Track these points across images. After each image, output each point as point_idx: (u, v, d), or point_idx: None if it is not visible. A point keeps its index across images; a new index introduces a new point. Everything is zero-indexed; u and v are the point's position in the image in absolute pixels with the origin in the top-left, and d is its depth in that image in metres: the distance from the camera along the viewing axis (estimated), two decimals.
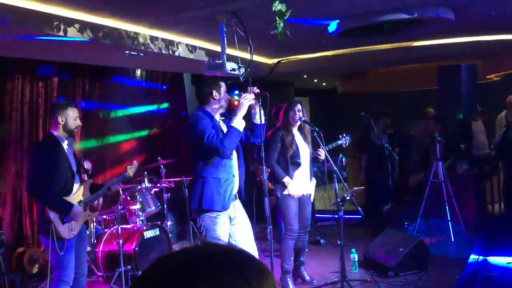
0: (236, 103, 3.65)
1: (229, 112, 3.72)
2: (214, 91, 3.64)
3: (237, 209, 3.71)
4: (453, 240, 6.09)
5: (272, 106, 5.02)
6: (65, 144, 3.77)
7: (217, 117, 3.70)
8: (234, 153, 3.67)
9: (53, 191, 3.66)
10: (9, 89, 5.46)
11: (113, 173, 6.44)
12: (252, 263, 0.75)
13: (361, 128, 7.71)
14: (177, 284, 0.70)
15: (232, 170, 3.62)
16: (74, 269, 3.70)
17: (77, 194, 3.80)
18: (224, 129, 3.64)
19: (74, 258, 3.71)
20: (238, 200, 3.76)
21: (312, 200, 5.01)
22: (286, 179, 4.61)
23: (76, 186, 3.81)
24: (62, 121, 3.71)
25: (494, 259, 5.42)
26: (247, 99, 3.54)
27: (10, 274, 4.78)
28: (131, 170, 4.29)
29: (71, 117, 3.73)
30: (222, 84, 3.69)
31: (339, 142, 5.43)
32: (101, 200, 5.22)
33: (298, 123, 4.77)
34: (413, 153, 7.67)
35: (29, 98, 5.61)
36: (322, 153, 4.81)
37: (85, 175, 4.05)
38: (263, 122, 3.67)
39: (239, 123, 3.52)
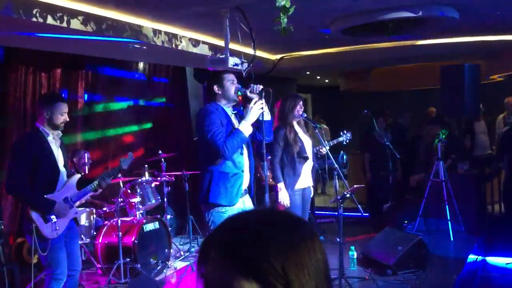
0: (240, 98, 3.60)
1: (238, 106, 3.67)
2: (215, 86, 3.58)
3: (246, 204, 3.66)
4: (452, 240, 6.09)
5: (275, 102, 5.00)
6: (50, 138, 3.58)
7: (229, 111, 3.62)
8: (245, 149, 3.62)
9: (34, 189, 3.49)
10: (12, 80, 5.45)
11: (114, 165, 6.45)
12: (307, 224, 0.91)
13: (364, 126, 7.71)
14: (253, 237, 0.85)
15: (242, 165, 3.56)
16: (66, 266, 3.58)
17: (63, 190, 3.62)
18: (236, 124, 3.58)
19: (65, 256, 3.58)
20: (247, 196, 3.70)
21: (312, 194, 4.99)
22: (280, 185, 4.58)
23: (62, 182, 3.64)
24: (47, 115, 3.52)
25: (493, 260, 5.43)
26: (258, 105, 3.45)
27: (9, 264, 4.78)
28: (124, 163, 3.96)
29: (58, 112, 3.54)
30: (225, 77, 3.58)
31: (340, 139, 5.45)
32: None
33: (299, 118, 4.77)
34: (420, 153, 7.66)
35: (32, 89, 5.61)
36: (323, 149, 4.84)
37: (74, 170, 3.91)
38: (269, 118, 3.63)
39: (246, 128, 3.44)
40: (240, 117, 3.60)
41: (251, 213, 0.93)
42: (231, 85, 3.57)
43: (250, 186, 3.70)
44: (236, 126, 3.51)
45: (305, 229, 0.89)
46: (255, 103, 3.44)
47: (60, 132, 3.65)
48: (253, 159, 3.72)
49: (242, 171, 3.57)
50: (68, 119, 3.65)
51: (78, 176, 3.80)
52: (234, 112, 3.67)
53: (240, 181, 3.55)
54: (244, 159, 3.60)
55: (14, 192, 3.66)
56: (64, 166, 3.69)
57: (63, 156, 3.69)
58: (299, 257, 0.84)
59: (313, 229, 0.91)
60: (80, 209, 3.83)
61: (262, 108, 3.47)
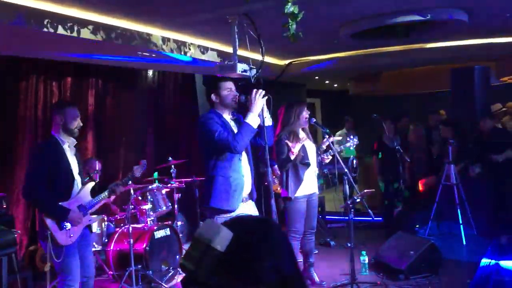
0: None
1: (240, 113, 3.71)
2: (212, 95, 3.66)
3: (250, 211, 3.67)
4: (465, 243, 6.04)
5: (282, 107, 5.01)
6: (66, 146, 3.63)
7: (228, 117, 3.69)
8: (244, 154, 3.66)
9: (49, 196, 3.53)
10: (23, 89, 5.52)
11: (124, 173, 6.48)
12: (273, 221, 1.15)
13: (374, 131, 7.67)
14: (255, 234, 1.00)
15: (241, 170, 3.60)
16: (79, 273, 3.60)
17: (77, 198, 3.66)
18: (235, 129, 3.62)
19: (77, 262, 3.60)
20: (251, 202, 3.73)
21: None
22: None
23: (76, 190, 3.67)
24: (61, 120, 3.60)
25: (506, 264, 5.36)
26: (259, 94, 3.48)
27: (23, 272, 4.82)
28: (137, 171, 4.04)
29: (71, 116, 3.61)
30: (221, 85, 3.65)
31: (347, 144, 5.42)
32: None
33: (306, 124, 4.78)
34: (420, 156, 7.61)
35: (42, 98, 5.67)
36: (327, 159, 4.87)
37: (88, 177, 3.96)
38: (270, 123, 3.66)
39: (253, 119, 3.48)
40: (239, 122, 3.64)
41: (234, 224, 1.05)
42: (228, 93, 3.64)
43: (252, 191, 3.71)
44: (235, 131, 3.54)
45: (274, 225, 1.06)
46: (255, 93, 3.47)
47: (74, 140, 3.70)
48: (252, 164, 3.75)
49: (242, 176, 3.60)
50: (81, 124, 3.71)
51: (92, 183, 3.84)
52: (233, 118, 3.71)
53: (240, 185, 3.58)
54: (242, 164, 3.63)
55: (30, 198, 3.69)
56: (79, 173, 3.73)
57: (77, 164, 3.73)
58: (281, 251, 0.99)
59: (274, 220, 1.05)
60: (93, 216, 3.85)
61: (264, 96, 3.48)
